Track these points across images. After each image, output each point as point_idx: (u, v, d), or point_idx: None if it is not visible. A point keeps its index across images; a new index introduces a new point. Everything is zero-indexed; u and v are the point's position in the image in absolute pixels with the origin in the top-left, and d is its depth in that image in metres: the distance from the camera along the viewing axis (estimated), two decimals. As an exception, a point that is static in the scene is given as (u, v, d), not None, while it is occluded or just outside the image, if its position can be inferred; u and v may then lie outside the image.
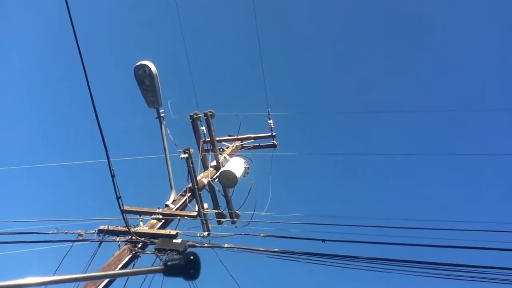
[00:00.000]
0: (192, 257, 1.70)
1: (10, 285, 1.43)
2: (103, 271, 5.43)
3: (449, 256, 4.93)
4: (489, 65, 20.42)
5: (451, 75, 21.63)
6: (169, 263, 1.68)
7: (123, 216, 5.73)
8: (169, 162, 7.85)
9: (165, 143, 7.93)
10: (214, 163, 9.14)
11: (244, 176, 8.80)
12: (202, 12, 23.11)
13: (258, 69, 11.15)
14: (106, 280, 5.20)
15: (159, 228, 6.70)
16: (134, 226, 6.45)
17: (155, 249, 5.98)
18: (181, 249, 5.89)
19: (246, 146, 10.58)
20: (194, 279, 1.74)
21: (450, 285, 5.20)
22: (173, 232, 6.34)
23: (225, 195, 8.99)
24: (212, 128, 9.16)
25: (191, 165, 7.51)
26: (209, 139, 9.27)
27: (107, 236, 6.33)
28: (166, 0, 17.89)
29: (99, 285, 5.14)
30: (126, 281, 5.36)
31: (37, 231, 6.12)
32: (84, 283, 5.03)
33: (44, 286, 1.55)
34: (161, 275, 1.72)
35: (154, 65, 7.43)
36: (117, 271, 4.85)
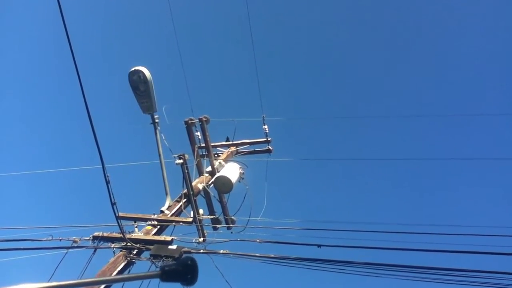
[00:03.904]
0: (189, 262, 1.70)
1: (5, 292, 1.41)
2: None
3: (446, 261, 4.94)
4: (490, 69, 20.59)
5: (451, 79, 21.77)
6: (166, 268, 1.67)
7: (118, 223, 5.71)
8: (164, 168, 7.84)
9: (160, 148, 7.92)
10: (209, 168, 9.13)
11: (239, 181, 8.79)
12: (197, 18, 23.17)
13: (253, 75, 11.19)
14: (102, 287, 5.16)
15: (154, 234, 6.66)
16: (129, 233, 6.41)
17: (151, 255, 5.95)
18: (176, 255, 5.87)
19: (241, 152, 10.57)
20: (192, 284, 1.73)
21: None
22: (169, 239, 6.32)
23: (221, 201, 8.97)
24: (207, 133, 9.16)
25: (186, 170, 7.49)
26: (204, 145, 9.26)
27: (102, 242, 6.29)
28: (161, 6, 17.91)
29: (94, 292, 5.09)
30: (122, 286, 5.33)
31: (31, 238, 6.08)
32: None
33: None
34: (157, 282, 1.71)
35: (149, 70, 7.43)
36: (113, 276, 4.82)
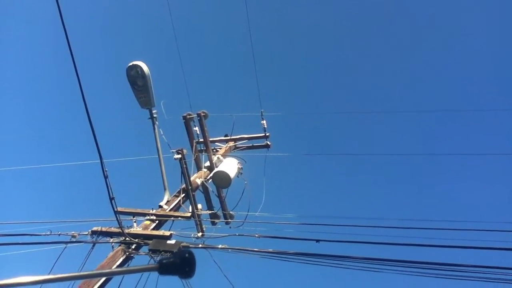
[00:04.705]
0: (187, 255, 1.69)
1: (3, 284, 1.42)
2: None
3: (443, 256, 4.96)
4: (490, 64, 20.58)
5: (450, 74, 21.77)
6: (164, 261, 1.67)
7: (116, 217, 5.71)
8: (162, 163, 7.83)
9: (158, 143, 7.91)
10: (207, 163, 9.13)
11: (237, 176, 8.79)
12: (195, 13, 23.11)
13: (251, 70, 11.16)
14: (101, 281, 5.17)
15: (153, 229, 6.67)
16: (128, 227, 6.42)
17: (149, 250, 5.96)
18: (175, 250, 5.88)
19: (240, 147, 10.58)
20: (189, 277, 1.73)
21: (445, 284, 5.23)
22: (167, 233, 6.33)
23: (219, 196, 8.98)
24: (205, 128, 9.16)
25: (184, 165, 7.50)
26: (202, 140, 9.26)
27: (100, 237, 6.29)
28: (159, 1, 17.82)
29: (93, 286, 5.11)
30: (121, 281, 5.35)
31: (29, 232, 6.07)
32: (78, 282, 5.00)
33: (39, 286, 1.54)
34: (156, 275, 1.71)
35: (147, 65, 7.41)
36: (112, 269, 4.83)
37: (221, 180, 8.50)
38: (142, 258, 6.05)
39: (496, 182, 19.22)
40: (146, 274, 5.05)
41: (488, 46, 20.09)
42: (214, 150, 9.81)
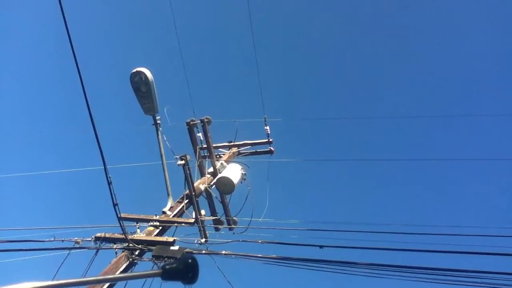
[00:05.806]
0: (190, 261, 1.69)
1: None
2: (100, 279, 5.37)
3: (448, 262, 4.93)
4: (488, 69, 20.55)
5: (449, 79, 21.74)
6: (167, 266, 1.67)
7: (120, 223, 5.71)
8: (165, 169, 7.83)
9: (162, 149, 7.91)
10: (211, 169, 9.13)
11: (241, 182, 8.78)
12: (199, 19, 23.20)
13: (255, 76, 11.19)
14: (105, 287, 5.15)
15: (156, 235, 6.67)
16: (131, 233, 6.41)
17: (153, 256, 5.95)
18: (178, 256, 5.87)
19: (243, 153, 10.57)
20: (192, 283, 1.73)
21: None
22: (171, 239, 6.32)
23: (223, 202, 8.95)
24: (209, 134, 9.15)
25: (188, 171, 7.50)
26: (205, 146, 9.25)
27: (104, 243, 6.29)
28: (163, 6, 17.92)
29: (96, 292, 5.09)
30: (125, 286, 5.33)
31: (33, 239, 6.08)
32: (82, 288, 4.99)
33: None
34: (159, 281, 1.71)
35: (150, 71, 7.42)
36: (115, 275, 4.83)
37: (225, 186, 8.49)
38: (146, 264, 6.04)
39: (497, 186, 19.15)
40: (149, 280, 5.03)
41: (488, 48, 20.09)
42: (218, 156, 9.81)
